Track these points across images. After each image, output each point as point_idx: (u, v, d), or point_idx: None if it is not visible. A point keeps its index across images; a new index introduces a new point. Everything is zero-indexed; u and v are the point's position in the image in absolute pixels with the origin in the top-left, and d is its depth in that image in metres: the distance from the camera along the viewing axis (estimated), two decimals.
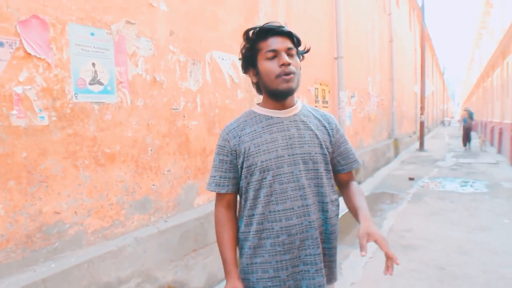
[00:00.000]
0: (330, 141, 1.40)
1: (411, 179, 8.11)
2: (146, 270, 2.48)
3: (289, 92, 1.28)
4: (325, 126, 1.41)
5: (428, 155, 12.69)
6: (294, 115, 1.36)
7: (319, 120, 1.42)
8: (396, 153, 12.23)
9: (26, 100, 1.95)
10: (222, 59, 3.46)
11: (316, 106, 5.93)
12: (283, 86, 1.26)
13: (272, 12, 4.52)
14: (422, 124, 14.27)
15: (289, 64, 1.24)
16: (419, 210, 5.59)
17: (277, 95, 1.30)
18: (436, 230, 4.57)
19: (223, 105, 3.48)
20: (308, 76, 5.60)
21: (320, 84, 6.11)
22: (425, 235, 4.41)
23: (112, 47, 2.41)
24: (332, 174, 1.42)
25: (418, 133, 15.71)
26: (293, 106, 1.37)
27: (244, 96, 3.76)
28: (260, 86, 1.35)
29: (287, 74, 1.24)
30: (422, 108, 14.21)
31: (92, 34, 2.28)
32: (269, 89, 1.30)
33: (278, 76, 1.25)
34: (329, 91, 6.50)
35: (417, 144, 15.05)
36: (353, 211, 1.36)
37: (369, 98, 9.38)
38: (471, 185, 7.28)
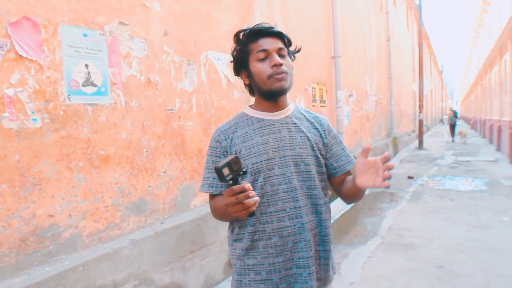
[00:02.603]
0: (323, 143, 1.38)
1: (410, 177, 8.10)
2: (142, 273, 2.46)
3: (282, 92, 1.28)
4: (317, 128, 1.39)
5: (427, 153, 12.69)
6: (286, 117, 1.35)
7: (311, 123, 1.40)
8: (395, 152, 12.21)
9: (18, 102, 1.93)
10: (218, 59, 3.45)
11: (313, 106, 5.92)
12: (276, 85, 1.25)
13: (268, 12, 4.50)
14: (420, 122, 14.26)
15: (281, 65, 1.24)
16: (418, 208, 5.58)
17: (270, 95, 1.29)
18: (435, 229, 4.55)
19: (219, 105, 3.46)
20: (305, 76, 5.59)
21: (318, 83, 6.10)
22: (424, 233, 4.39)
23: (105, 48, 2.39)
24: (325, 176, 1.40)
25: (417, 132, 15.71)
26: (285, 107, 1.36)
27: (240, 96, 3.75)
28: (252, 88, 1.35)
29: (279, 73, 1.24)
30: (420, 106, 14.21)
31: (85, 35, 2.26)
32: (262, 90, 1.30)
33: (270, 76, 1.25)
34: (326, 91, 6.49)
35: (416, 143, 15.05)
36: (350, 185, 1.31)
37: (367, 97, 9.37)
38: (470, 183, 7.27)
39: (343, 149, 1.43)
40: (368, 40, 9.56)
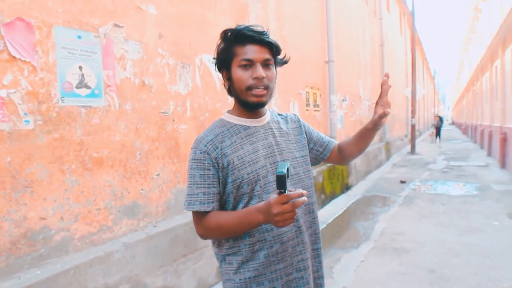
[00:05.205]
0: (304, 137, 1.43)
1: (402, 182, 8.15)
2: (134, 276, 2.44)
3: (259, 106, 1.26)
4: (293, 127, 1.43)
5: (419, 158, 12.79)
6: (268, 122, 1.34)
7: (287, 122, 1.42)
8: (388, 156, 12.29)
9: (10, 103, 1.91)
10: (212, 62, 3.44)
11: (307, 110, 5.95)
12: (253, 99, 1.22)
13: (263, 16, 4.52)
14: (413, 127, 14.38)
15: (263, 78, 1.19)
16: (410, 213, 5.61)
17: (247, 106, 1.26)
18: (427, 233, 4.58)
19: (213, 109, 3.46)
20: (299, 80, 5.62)
21: (311, 87, 6.13)
22: (416, 237, 4.42)
23: (100, 50, 2.38)
24: (312, 174, 1.42)
25: (409, 136, 15.81)
26: (265, 113, 1.35)
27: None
28: (231, 91, 1.31)
29: (259, 88, 1.20)
30: (413, 111, 14.32)
31: (79, 37, 2.26)
32: (239, 99, 1.26)
33: (248, 88, 1.20)
34: (320, 95, 6.52)
35: (408, 147, 15.15)
36: (358, 133, 1.42)
37: (361, 102, 9.43)
38: (461, 188, 7.33)
39: (318, 133, 1.52)
40: (362, 45, 9.63)
